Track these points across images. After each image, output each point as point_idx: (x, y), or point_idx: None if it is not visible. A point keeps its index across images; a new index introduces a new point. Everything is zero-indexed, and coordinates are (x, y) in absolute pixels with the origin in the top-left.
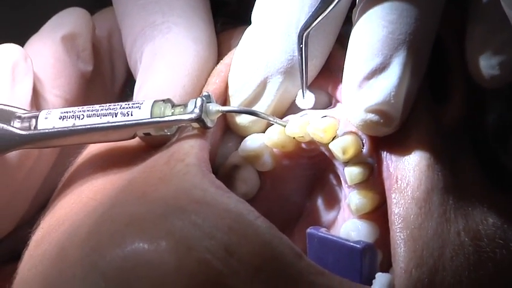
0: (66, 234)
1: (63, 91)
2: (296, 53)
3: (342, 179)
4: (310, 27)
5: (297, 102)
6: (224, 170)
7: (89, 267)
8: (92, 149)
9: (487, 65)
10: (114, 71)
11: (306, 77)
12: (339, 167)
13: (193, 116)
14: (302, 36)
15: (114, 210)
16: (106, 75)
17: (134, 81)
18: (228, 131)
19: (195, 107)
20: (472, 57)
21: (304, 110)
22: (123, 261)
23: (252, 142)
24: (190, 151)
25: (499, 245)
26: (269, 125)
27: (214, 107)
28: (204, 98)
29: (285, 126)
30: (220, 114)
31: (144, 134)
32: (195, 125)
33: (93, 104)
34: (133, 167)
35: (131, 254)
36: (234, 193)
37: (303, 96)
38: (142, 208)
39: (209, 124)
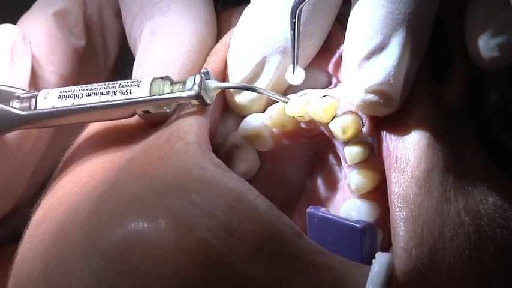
0: (67, 213)
1: (57, 67)
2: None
3: (341, 158)
4: (304, 3)
5: (286, 77)
6: (224, 150)
7: (88, 246)
8: (92, 128)
9: (486, 46)
10: (106, 46)
11: (298, 52)
12: (338, 146)
13: (192, 93)
14: (295, 11)
15: (114, 189)
16: (98, 51)
17: (127, 57)
18: (228, 110)
19: (194, 83)
20: (472, 39)
21: (295, 85)
22: (122, 240)
23: (252, 122)
24: (190, 130)
25: (500, 225)
26: (269, 104)
27: (213, 84)
28: (203, 75)
29: (286, 102)
30: (220, 90)
31: (143, 111)
32: (194, 102)
33: (88, 80)
34: (133, 145)
35: (131, 233)
36: (234, 172)
37: (293, 72)
38: (143, 187)
39: (208, 101)
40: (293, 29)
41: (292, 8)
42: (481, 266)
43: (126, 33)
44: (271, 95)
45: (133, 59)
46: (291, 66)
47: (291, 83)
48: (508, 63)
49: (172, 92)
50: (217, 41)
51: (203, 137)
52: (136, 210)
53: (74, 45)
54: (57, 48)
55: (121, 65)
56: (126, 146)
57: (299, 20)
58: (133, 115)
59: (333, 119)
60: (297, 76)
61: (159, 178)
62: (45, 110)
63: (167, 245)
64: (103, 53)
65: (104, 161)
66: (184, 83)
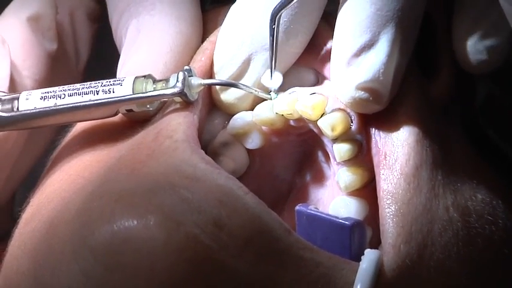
0: (56, 211)
1: (33, 72)
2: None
3: (330, 156)
4: (284, 9)
5: (262, 81)
6: (212, 148)
7: (78, 243)
8: (79, 126)
9: (474, 50)
10: (77, 50)
11: (276, 57)
12: (327, 144)
13: (175, 90)
14: (275, 16)
15: (103, 187)
16: (70, 55)
17: (99, 61)
18: (214, 108)
19: (177, 81)
20: (459, 42)
21: (283, 84)
22: (112, 237)
23: (241, 119)
24: (178, 128)
25: (488, 221)
26: (256, 102)
27: (196, 81)
28: (185, 72)
29: (270, 98)
30: (203, 87)
31: (126, 110)
32: (178, 99)
33: (61, 84)
34: (119, 144)
35: (120, 229)
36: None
37: (271, 76)
38: (132, 184)
39: (191, 98)
40: (272, 35)
41: (272, 13)
42: (469, 262)
43: (112, 31)
44: (253, 91)
45: (99, 61)
46: (269, 70)
47: (268, 87)
48: (495, 67)
49: (155, 90)
50: (203, 40)
51: (191, 135)
52: (126, 207)
53: (47, 49)
54: (32, 53)
55: (93, 65)
56: (113, 144)
57: (278, 26)
58: (116, 114)
59: (321, 116)
60: (274, 80)
61: (149, 175)
62: (28, 111)
63: (156, 242)
64: (75, 57)
65: (91, 159)
66: (167, 80)
